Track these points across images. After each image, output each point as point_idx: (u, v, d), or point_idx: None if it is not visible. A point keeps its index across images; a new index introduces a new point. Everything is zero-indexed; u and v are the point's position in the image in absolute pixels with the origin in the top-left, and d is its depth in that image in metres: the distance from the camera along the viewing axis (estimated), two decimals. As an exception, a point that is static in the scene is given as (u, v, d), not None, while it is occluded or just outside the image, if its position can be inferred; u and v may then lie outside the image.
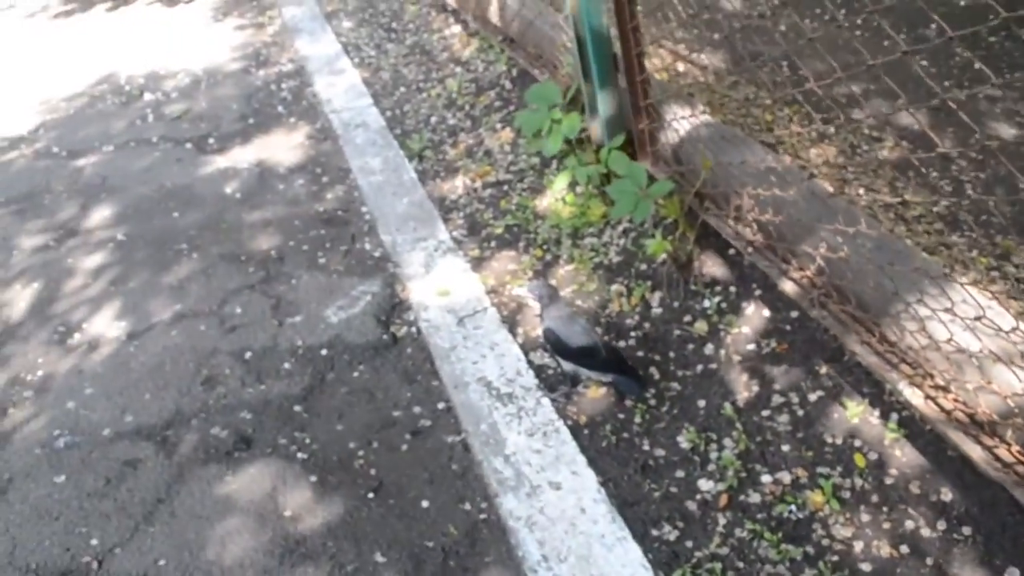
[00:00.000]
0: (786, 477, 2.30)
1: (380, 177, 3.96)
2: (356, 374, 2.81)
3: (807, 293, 2.39)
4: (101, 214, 3.94)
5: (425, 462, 2.48)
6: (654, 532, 2.21)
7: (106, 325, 3.19)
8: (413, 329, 3.00)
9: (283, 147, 4.35)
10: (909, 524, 2.13)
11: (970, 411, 1.95)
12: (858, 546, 2.12)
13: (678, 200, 2.81)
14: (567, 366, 2.54)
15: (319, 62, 5.24)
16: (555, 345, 2.48)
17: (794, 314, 2.69)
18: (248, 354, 2.95)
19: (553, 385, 2.68)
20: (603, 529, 2.21)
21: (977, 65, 3.83)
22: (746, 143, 2.74)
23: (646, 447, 2.45)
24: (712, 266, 2.96)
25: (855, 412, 2.39)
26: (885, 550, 2.09)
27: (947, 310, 1.87)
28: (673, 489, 2.32)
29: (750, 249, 2.59)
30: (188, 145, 4.44)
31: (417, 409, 2.66)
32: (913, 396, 2.10)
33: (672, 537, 2.19)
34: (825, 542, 2.14)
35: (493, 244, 3.41)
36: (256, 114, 4.71)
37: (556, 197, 3.51)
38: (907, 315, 2.17)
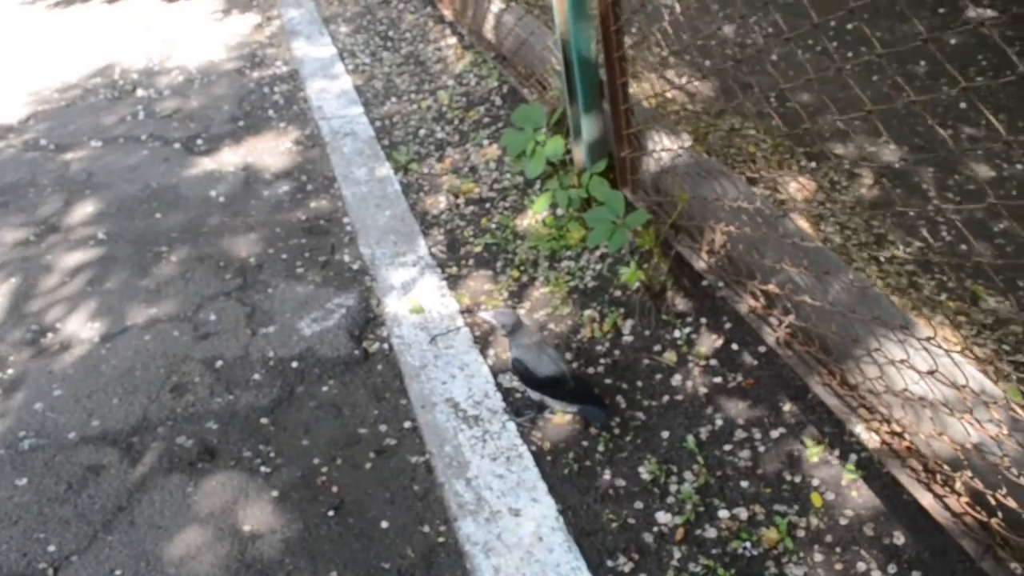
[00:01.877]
0: (743, 513, 2.32)
1: (365, 188, 3.97)
2: (325, 388, 2.82)
3: (774, 331, 2.41)
4: (84, 211, 3.94)
5: (387, 482, 2.49)
6: (609, 563, 2.23)
7: (80, 326, 3.20)
8: (385, 345, 3.01)
9: (271, 152, 4.36)
10: (860, 566, 2.15)
11: (923, 459, 1.97)
12: (808, 587, 2.14)
13: (654, 230, 2.83)
14: (534, 395, 2.55)
15: (314, 66, 5.25)
16: (523, 375, 2.49)
17: (762, 349, 2.72)
18: (219, 363, 2.95)
19: (519, 410, 2.69)
20: (559, 558, 2.22)
21: (963, 104, 3.87)
22: (725, 176, 2.76)
23: (607, 476, 2.47)
24: (685, 297, 2.98)
25: (815, 451, 2.41)
26: (835, 592, 2.11)
27: (902, 361, 1.89)
28: (631, 520, 2.34)
29: (720, 283, 2.61)
30: (176, 145, 4.44)
31: (383, 427, 2.67)
32: (870, 440, 2.12)
33: (626, 569, 2.21)
34: (777, 581, 2.16)
35: (471, 262, 3.43)
36: (247, 116, 4.72)
37: (536, 218, 3.53)
38: (867, 360, 2.19)
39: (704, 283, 2.97)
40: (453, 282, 3.31)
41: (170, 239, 3.66)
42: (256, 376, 2.88)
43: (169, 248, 3.60)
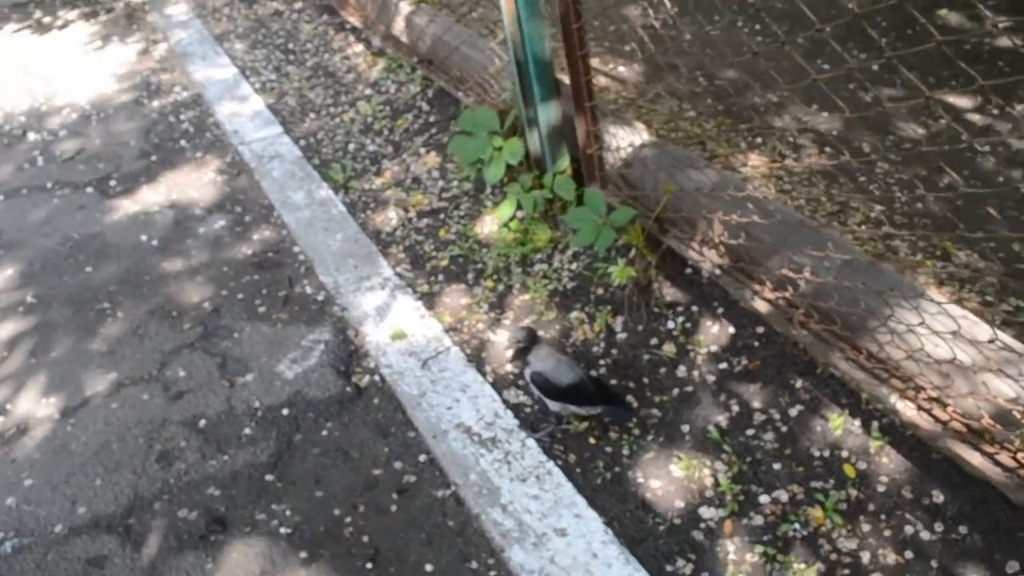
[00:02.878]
0: (783, 495, 2.33)
1: (307, 213, 3.78)
2: (325, 433, 2.67)
3: (784, 313, 2.43)
4: (2, 274, 3.57)
5: (419, 522, 2.37)
6: (668, 568, 2.20)
7: (34, 404, 2.90)
8: (376, 377, 2.87)
9: (194, 185, 4.08)
10: (908, 529, 2.20)
11: (967, 420, 2.03)
12: (865, 556, 2.17)
13: (639, 226, 2.81)
14: (554, 406, 2.49)
15: (217, 89, 4.96)
16: (543, 387, 2.42)
17: (759, 329, 2.74)
18: (202, 422, 2.74)
19: (535, 424, 2.62)
20: (619, 572, 2.18)
21: (875, 67, 4.04)
22: (698, 163, 2.77)
23: (641, 479, 2.44)
24: (671, 287, 2.98)
25: (837, 423, 2.45)
26: (891, 557, 2.16)
27: (921, 325, 1.94)
28: (676, 520, 2.32)
29: (717, 272, 2.62)
30: (89, 189, 4.10)
31: (398, 464, 2.54)
32: (906, 409, 2.17)
33: (687, 572, 2.19)
34: (834, 557, 2.18)
35: (441, 277, 3.32)
36: (158, 150, 4.41)
37: (496, 225, 3.45)
38: (884, 330, 2.24)
39: (688, 270, 2.98)
40: (428, 300, 3.20)
41: (110, 294, 3.37)
42: (247, 431, 2.68)
43: (112, 304, 3.31)
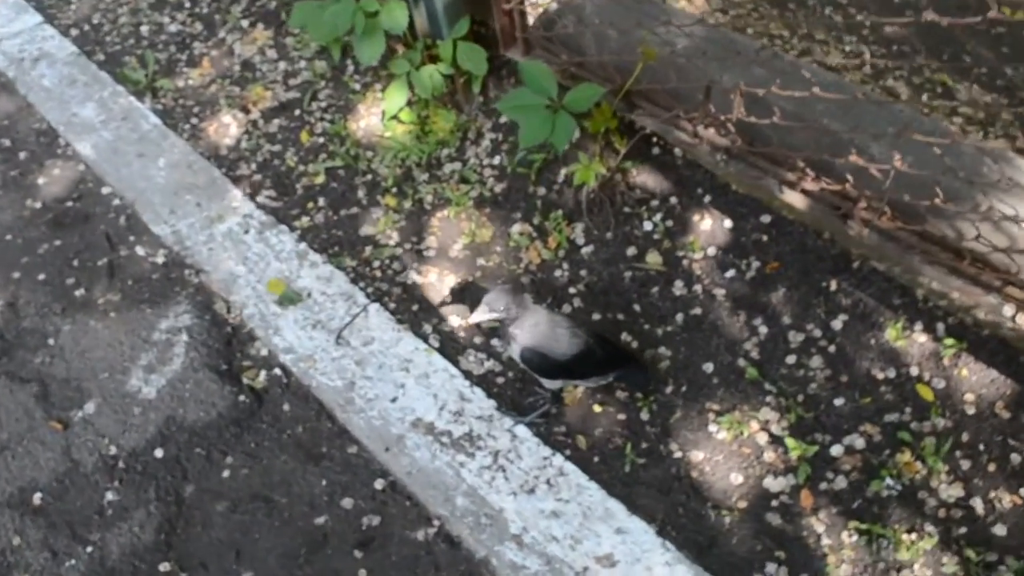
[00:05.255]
0: (858, 441, 1.83)
1: (107, 134, 2.71)
2: (227, 474, 1.87)
3: (834, 208, 1.82)
4: None
5: (404, 585, 1.69)
6: (757, 579, 1.67)
7: None
8: (276, 371, 2.06)
9: (-78, 117, 2.85)
10: (1015, 458, 1.77)
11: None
12: (978, 505, 1.74)
13: (607, 106, 2.06)
14: (553, 384, 1.81)
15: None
16: (539, 367, 1.73)
17: (764, 218, 2.15)
18: (37, 497, 1.85)
19: (517, 401, 1.95)
20: (699, 603, 1.62)
21: None
22: (659, 12, 2.02)
23: (678, 453, 1.85)
24: (638, 175, 2.29)
25: (894, 331, 1.95)
26: (1006, 500, 1.74)
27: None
28: (742, 505, 1.77)
29: (724, 158, 1.95)
30: None
31: (347, 503, 1.82)
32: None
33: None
34: (942, 513, 1.73)
35: (321, 202, 2.46)
36: None
37: (389, 117, 2.57)
38: (970, 218, 1.68)
39: (655, 151, 2.29)
40: (313, 238, 2.36)
41: None
42: (110, 496, 1.84)
43: None
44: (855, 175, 1.68)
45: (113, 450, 1.91)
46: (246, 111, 2.77)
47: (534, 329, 1.70)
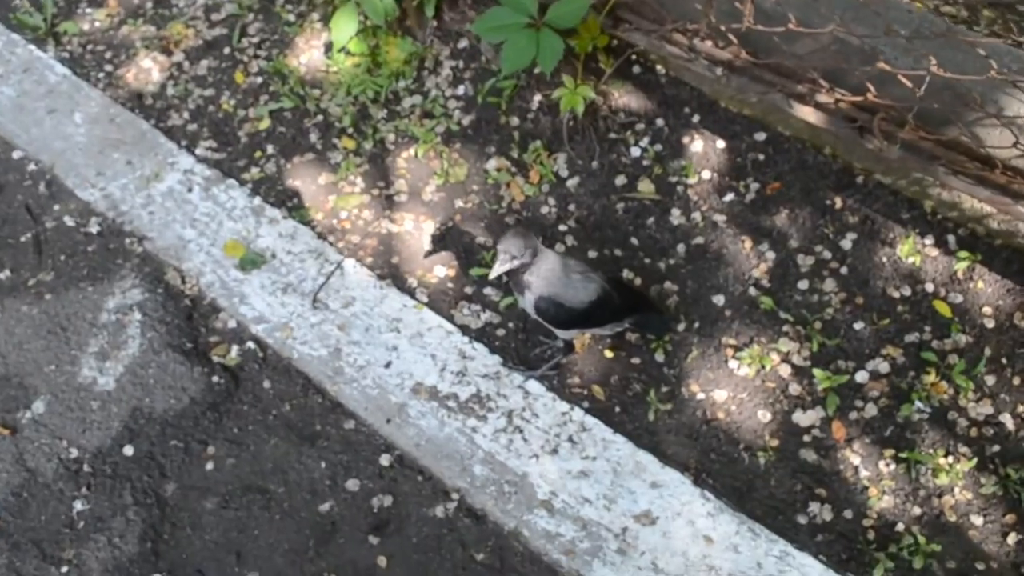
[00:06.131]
0: (882, 365, 1.77)
1: (8, 90, 2.37)
2: (211, 466, 1.67)
3: (849, 121, 1.70)
4: None
5: (427, 570, 1.55)
6: (801, 520, 1.60)
7: None
8: (249, 344, 1.85)
9: None
10: (1039, 371, 1.73)
11: None
12: (1008, 422, 1.69)
13: (594, 20, 1.87)
14: (568, 334, 1.66)
15: None
16: (555, 318, 1.58)
17: (760, 136, 2.03)
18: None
19: (526, 357, 1.80)
20: (750, 555, 1.53)
21: None
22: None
23: (700, 395, 1.75)
24: (619, 98, 2.13)
25: (906, 247, 1.87)
26: (1036, 415, 1.70)
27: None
28: (774, 443, 1.69)
29: (725, 73, 1.80)
30: None
31: (352, 484, 1.65)
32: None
33: (827, 516, 1.59)
34: (973, 432, 1.69)
35: (270, 149, 2.22)
36: None
37: (337, 49, 2.32)
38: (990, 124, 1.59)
39: (636, 69, 2.13)
40: (268, 191, 2.12)
41: None
42: (79, 505, 1.62)
43: None
44: (877, 85, 1.56)
45: (74, 452, 1.68)
46: (168, 53, 2.45)
47: (549, 275, 1.53)
